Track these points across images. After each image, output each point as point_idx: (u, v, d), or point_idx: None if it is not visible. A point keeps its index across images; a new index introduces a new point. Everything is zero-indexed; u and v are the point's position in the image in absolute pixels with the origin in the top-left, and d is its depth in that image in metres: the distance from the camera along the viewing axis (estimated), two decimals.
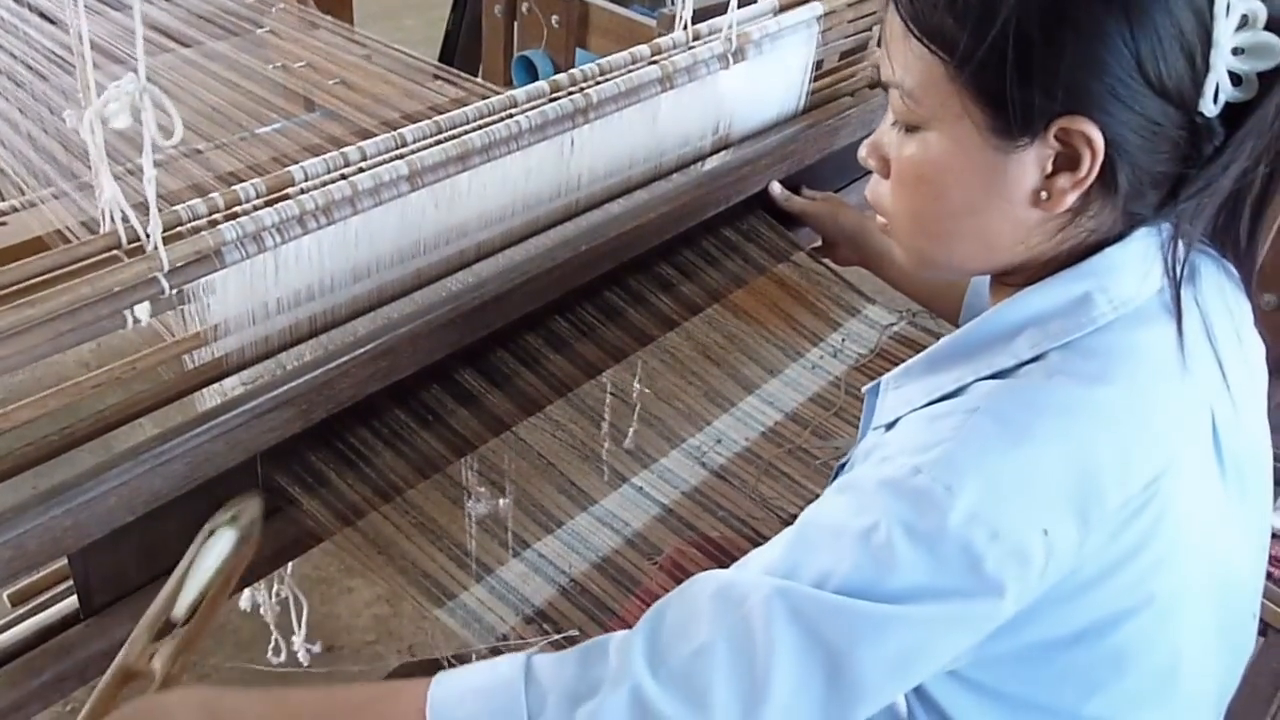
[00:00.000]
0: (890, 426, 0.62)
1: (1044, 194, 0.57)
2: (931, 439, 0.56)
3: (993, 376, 0.59)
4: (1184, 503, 0.58)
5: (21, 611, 0.75)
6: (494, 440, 0.87)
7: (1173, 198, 0.57)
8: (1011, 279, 0.63)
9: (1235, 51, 0.54)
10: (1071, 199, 0.57)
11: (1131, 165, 0.56)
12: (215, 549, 0.74)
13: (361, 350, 0.80)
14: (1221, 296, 0.65)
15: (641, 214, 0.99)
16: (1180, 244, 0.59)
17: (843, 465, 0.74)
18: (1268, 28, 0.54)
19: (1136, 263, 0.60)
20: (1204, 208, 0.58)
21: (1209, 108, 0.54)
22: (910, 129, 0.60)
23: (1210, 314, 0.61)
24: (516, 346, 0.93)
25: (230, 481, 0.77)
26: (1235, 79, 0.54)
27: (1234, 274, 0.66)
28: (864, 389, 0.70)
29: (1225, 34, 0.53)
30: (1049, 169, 0.57)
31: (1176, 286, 0.59)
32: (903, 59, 0.59)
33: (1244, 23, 0.54)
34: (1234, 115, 0.55)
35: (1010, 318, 0.60)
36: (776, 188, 1.12)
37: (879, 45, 0.61)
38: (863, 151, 0.65)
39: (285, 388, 0.76)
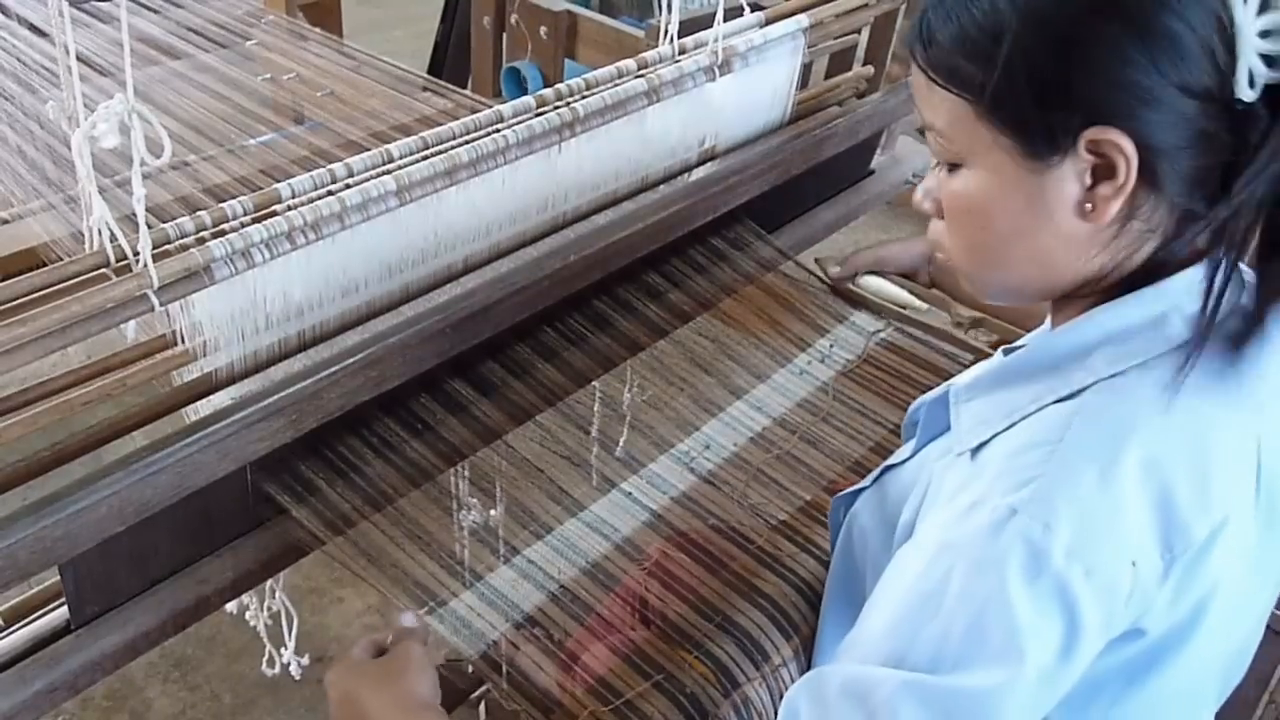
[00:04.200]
0: (975, 452, 0.62)
1: (1088, 205, 0.58)
2: (1022, 476, 0.56)
3: (1070, 395, 0.59)
4: (1235, 541, 0.59)
5: (13, 623, 0.75)
6: (484, 449, 0.88)
7: (1225, 190, 0.57)
8: (1077, 295, 0.63)
9: (1263, 35, 0.54)
10: (1116, 207, 0.57)
11: (1171, 164, 0.56)
12: None
13: (351, 360, 0.81)
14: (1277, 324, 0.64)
15: (629, 224, 1.00)
16: (1227, 243, 0.58)
17: (890, 466, 0.74)
18: None
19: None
20: (1255, 198, 0.57)
21: (1246, 94, 0.55)
22: (952, 167, 0.62)
23: (1271, 340, 0.61)
24: (506, 356, 0.94)
25: (221, 491, 0.77)
26: (1269, 60, 0.55)
27: None
28: (926, 399, 0.71)
29: (1248, 20, 0.54)
30: (1088, 181, 0.57)
31: (1226, 279, 0.58)
32: (931, 104, 0.62)
33: (1265, 5, 0.54)
34: (1276, 97, 0.55)
35: (1086, 335, 0.61)
36: (834, 270, 1.15)
37: (894, 71, 0.63)
38: (917, 197, 0.67)
39: (275, 398, 0.77)
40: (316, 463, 0.83)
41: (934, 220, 0.67)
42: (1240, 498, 0.60)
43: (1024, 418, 0.61)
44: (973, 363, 0.68)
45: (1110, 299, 0.61)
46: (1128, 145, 0.55)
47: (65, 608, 0.75)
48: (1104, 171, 0.57)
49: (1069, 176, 0.58)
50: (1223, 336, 0.59)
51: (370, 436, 0.86)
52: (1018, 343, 0.74)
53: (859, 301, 1.14)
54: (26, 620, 0.75)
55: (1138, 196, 0.57)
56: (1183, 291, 0.59)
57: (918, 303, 1.11)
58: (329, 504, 0.81)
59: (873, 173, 1.34)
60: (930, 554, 0.58)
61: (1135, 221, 0.58)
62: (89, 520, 0.69)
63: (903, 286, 1.12)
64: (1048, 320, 0.69)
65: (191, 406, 0.78)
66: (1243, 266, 0.60)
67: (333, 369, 0.80)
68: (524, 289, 0.91)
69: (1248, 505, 0.61)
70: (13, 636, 0.74)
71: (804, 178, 1.18)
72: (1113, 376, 0.59)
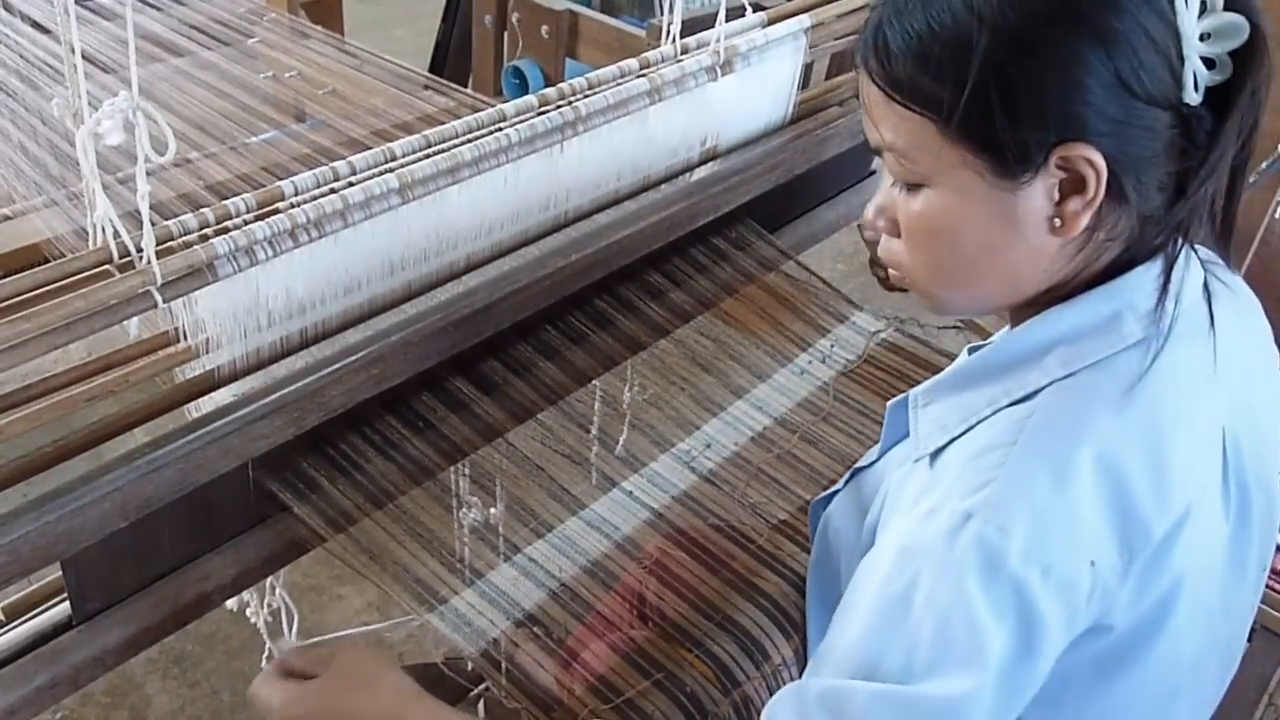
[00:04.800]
0: (934, 457, 0.62)
1: (1057, 220, 0.58)
2: (977, 480, 0.57)
3: (1026, 398, 0.60)
4: (1199, 533, 0.60)
5: (15, 619, 0.75)
6: (485, 447, 0.88)
7: (1180, 193, 0.58)
8: (1038, 300, 0.63)
9: (1203, 37, 0.55)
10: (1085, 220, 0.57)
11: (1135, 174, 0.57)
12: None
13: (353, 358, 0.81)
14: (1238, 316, 0.66)
15: (631, 223, 1.00)
16: (1180, 239, 0.60)
17: (859, 469, 0.74)
18: (1227, 7, 0.55)
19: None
20: (1206, 196, 0.59)
21: (1192, 97, 0.56)
22: (912, 187, 0.61)
23: (1227, 332, 0.62)
24: (507, 354, 0.94)
25: (222, 488, 0.77)
26: (1209, 63, 0.56)
27: (1248, 292, 0.67)
28: (889, 404, 0.71)
29: (1189, 23, 0.55)
30: (1057, 196, 0.57)
31: (1168, 269, 0.60)
32: (889, 123, 0.60)
33: (1204, 8, 0.55)
34: (1217, 99, 0.56)
35: (1041, 337, 0.61)
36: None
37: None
38: (869, 215, 0.65)
39: (277, 395, 0.77)
40: (318, 460, 0.83)
41: (886, 238, 0.65)
42: (1204, 489, 0.61)
43: (980, 421, 0.61)
44: None
45: (1068, 300, 0.61)
46: (1098, 159, 0.55)
47: (67, 603, 0.75)
48: (1072, 186, 0.57)
49: (1039, 193, 0.57)
50: (1180, 329, 0.60)
51: (372, 434, 0.86)
52: (984, 342, 0.75)
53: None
54: (28, 615, 0.75)
55: (1103, 207, 0.57)
56: (1134, 289, 0.60)
57: None
58: (330, 501, 0.81)
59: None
60: (893, 561, 0.58)
61: (1099, 232, 0.59)
62: (91, 516, 0.69)
63: None
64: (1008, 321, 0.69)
65: (193, 403, 0.78)
66: (1191, 253, 0.61)
67: (334, 366, 0.80)
68: (525, 287, 0.91)
69: (1214, 497, 0.62)
70: (15, 632, 0.74)
71: (806, 177, 1.18)
72: (1066, 377, 0.59)
